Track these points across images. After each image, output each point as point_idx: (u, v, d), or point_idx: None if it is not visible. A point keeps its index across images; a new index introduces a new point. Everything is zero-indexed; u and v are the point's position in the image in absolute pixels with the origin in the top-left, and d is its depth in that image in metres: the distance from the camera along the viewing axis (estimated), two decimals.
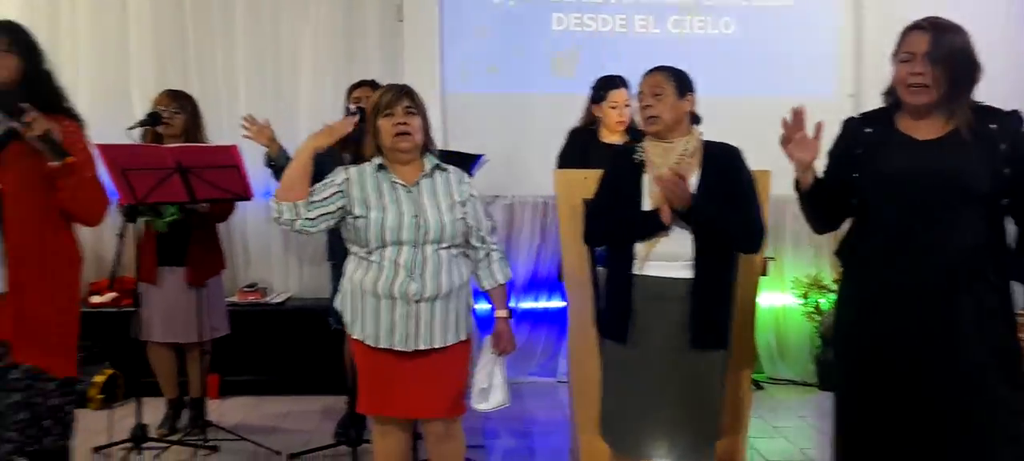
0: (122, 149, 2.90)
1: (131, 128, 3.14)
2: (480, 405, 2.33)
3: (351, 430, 3.26)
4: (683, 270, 2.06)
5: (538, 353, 4.37)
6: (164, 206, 3.21)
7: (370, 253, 2.17)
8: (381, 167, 2.23)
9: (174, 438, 3.34)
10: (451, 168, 2.33)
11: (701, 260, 2.04)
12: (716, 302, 2.10)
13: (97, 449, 3.12)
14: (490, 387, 2.31)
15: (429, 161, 2.28)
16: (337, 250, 3.33)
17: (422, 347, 2.18)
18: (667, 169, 2.03)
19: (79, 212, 2.20)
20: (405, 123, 2.19)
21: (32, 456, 2.17)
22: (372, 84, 3.43)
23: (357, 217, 2.16)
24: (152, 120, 3.20)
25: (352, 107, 3.19)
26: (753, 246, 2.19)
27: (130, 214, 3.14)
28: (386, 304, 2.15)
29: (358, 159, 3.02)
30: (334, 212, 2.18)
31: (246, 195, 3.12)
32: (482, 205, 2.34)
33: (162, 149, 2.97)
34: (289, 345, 4.12)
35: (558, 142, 3.46)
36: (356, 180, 2.21)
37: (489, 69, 4.35)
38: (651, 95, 2.10)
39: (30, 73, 2.15)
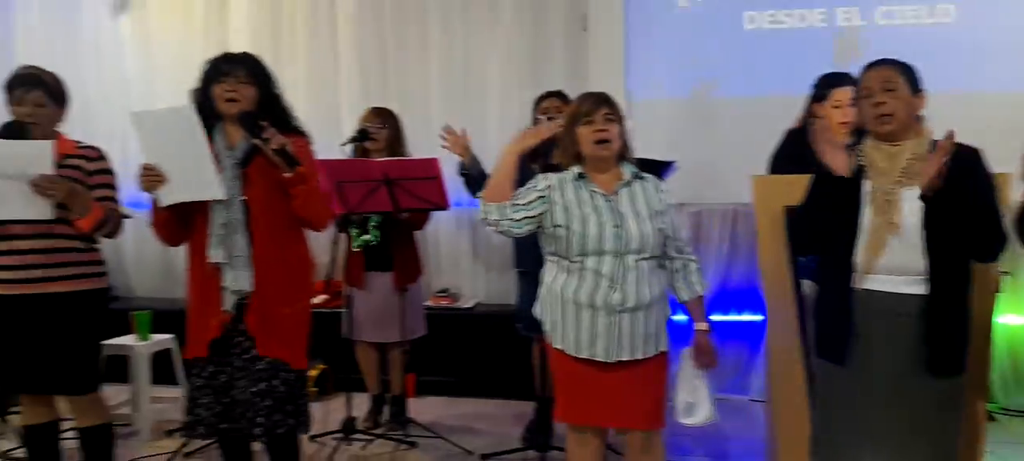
0: (338, 163, 3.17)
1: (343, 144, 3.43)
2: (687, 420, 2.26)
3: (539, 435, 3.31)
4: (914, 285, 1.86)
5: (729, 369, 4.17)
6: (370, 219, 3.45)
7: (571, 262, 2.17)
8: (581, 176, 2.22)
9: (378, 431, 3.57)
10: (649, 176, 2.29)
11: (937, 273, 1.83)
12: (954, 322, 1.88)
13: (312, 437, 3.40)
14: (696, 402, 2.24)
15: (628, 169, 2.25)
16: (524, 258, 3.41)
17: (624, 358, 2.15)
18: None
19: (309, 217, 2.38)
20: (605, 130, 2.18)
21: (271, 440, 2.39)
22: (559, 95, 3.47)
23: (557, 226, 2.17)
24: (361, 136, 3.45)
25: (542, 118, 3.26)
26: (993, 250, 1.92)
27: (343, 223, 3.43)
28: (588, 314, 2.14)
29: (547, 170, 3.07)
30: (536, 217, 2.20)
31: (444, 205, 3.28)
32: (678, 214, 2.28)
33: (372, 163, 3.20)
34: (478, 349, 4.27)
35: (749, 147, 3.28)
36: (557, 187, 2.22)
37: (675, 73, 4.23)
38: (882, 90, 1.89)
39: (264, 98, 2.38)
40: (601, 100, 2.22)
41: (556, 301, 2.21)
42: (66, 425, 2.73)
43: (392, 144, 3.59)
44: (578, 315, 2.16)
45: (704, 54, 4.20)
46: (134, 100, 4.73)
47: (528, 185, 2.25)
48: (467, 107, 4.41)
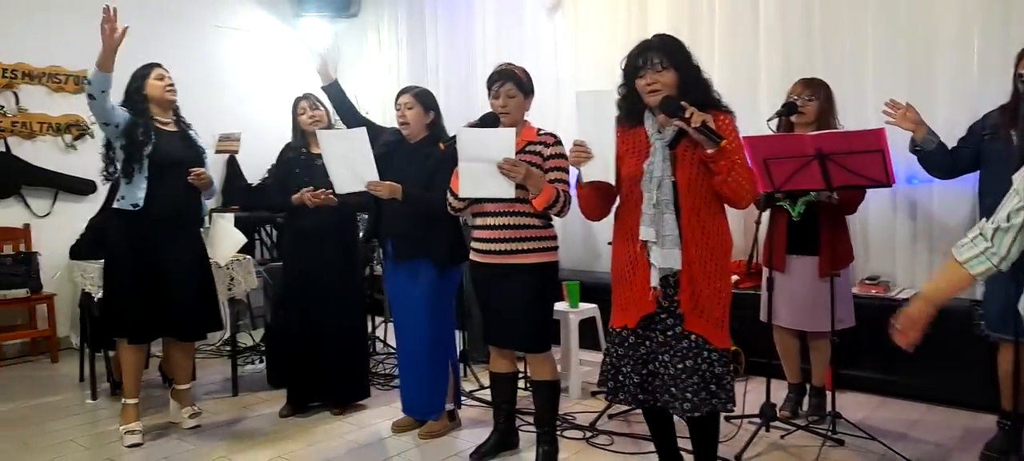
0: (765, 140, 3.04)
1: (769, 120, 3.28)
2: None
3: (1011, 457, 2.77)
4: None
5: None
6: (800, 193, 3.26)
7: None
8: None
9: (799, 422, 3.38)
10: None
11: None
12: None
13: (727, 417, 3.33)
14: None
15: None
16: None
17: None
18: None
19: (731, 194, 2.32)
20: None
21: (694, 418, 2.39)
22: None
23: None
24: (788, 110, 3.26)
25: None
26: None
27: (766, 202, 3.29)
28: None
29: None
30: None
31: (886, 181, 2.92)
32: None
33: (804, 137, 3.00)
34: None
35: None
36: None
37: None
38: None
39: (685, 80, 2.37)
40: None
41: None
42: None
43: (822, 117, 3.32)
44: None
45: None
46: (563, 89, 5.22)
47: (1008, 196, 1.86)
48: (912, 71, 3.85)
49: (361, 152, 3.14)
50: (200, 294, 3.52)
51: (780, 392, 3.55)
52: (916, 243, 4.01)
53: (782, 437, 3.29)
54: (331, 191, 3.41)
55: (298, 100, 3.77)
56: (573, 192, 2.87)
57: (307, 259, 3.68)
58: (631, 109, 2.43)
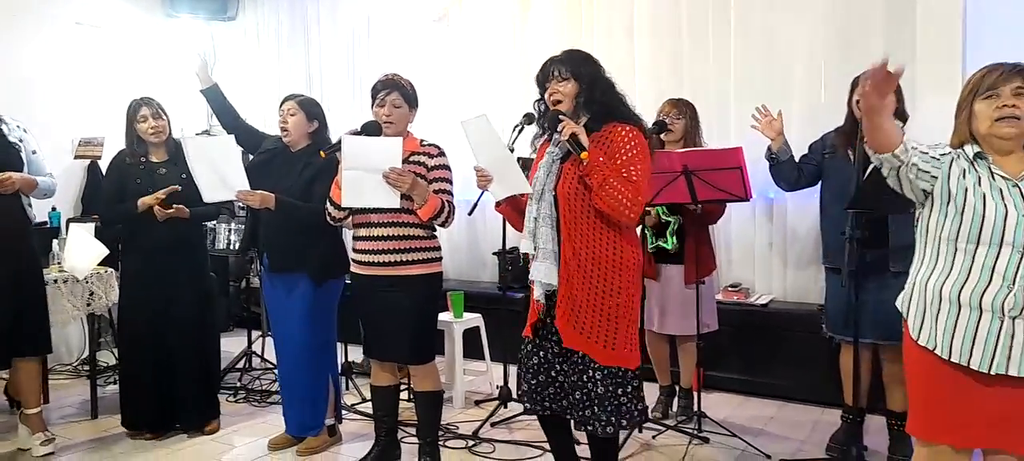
0: None
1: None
2: None
3: (852, 448, 3.05)
4: None
5: None
6: (670, 225, 3.50)
7: (956, 249, 1.90)
8: (979, 155, 1.92)
9: (669, 423, 3.58)
10: None
11: None
12: None
13: None
14: None
15: None
16: (833, 253, 3.16)
17: (1012, 373, 1.84)
18: None
19: (606, 208, 2.27)
20: (1014, 106, 1.85)
21: (590, 436, 2.41)
22: None
23: (947, 205, 1.91)
24: (658, 128, 3.45)
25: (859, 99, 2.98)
26: None
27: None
28: (967, 314, 1.87)
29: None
30: (934, 177, 1.91)
31: (745, 196, 3.16)
32: None
33: (673, 154, 3.20)
34: (772, 348, 4.06)
35: None
36: (950, 162, 1.94)
37: None
38: None
39: (586, 91, 2.40)
40: (1015, 71, 1.87)
41: (928, 294, 1.94)
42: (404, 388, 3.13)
43: (688, 135, 3.56)
44: (954, 314, 1.88)
45: None
46: (450, 98, 5.22)
47: (934, 145, 1.96)
48: (769, 94, 4.14)
49: (230, 160, 3.04)
50: (12, 314, 3.15)
51: (652, 394, 3.74)
52: (772, 252, 4.35)
53: (653, 437, 3.47)
54: (182, 205, 3.33)
55: (137, 105, 3.47)
56: (456, 202, 2.93)
57: (150, 272, 3.44)
58: (550, 122, 2.43)
